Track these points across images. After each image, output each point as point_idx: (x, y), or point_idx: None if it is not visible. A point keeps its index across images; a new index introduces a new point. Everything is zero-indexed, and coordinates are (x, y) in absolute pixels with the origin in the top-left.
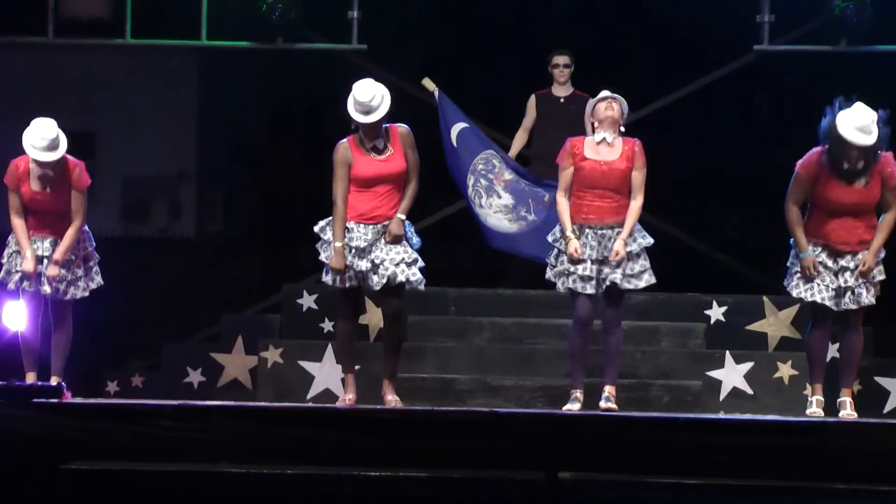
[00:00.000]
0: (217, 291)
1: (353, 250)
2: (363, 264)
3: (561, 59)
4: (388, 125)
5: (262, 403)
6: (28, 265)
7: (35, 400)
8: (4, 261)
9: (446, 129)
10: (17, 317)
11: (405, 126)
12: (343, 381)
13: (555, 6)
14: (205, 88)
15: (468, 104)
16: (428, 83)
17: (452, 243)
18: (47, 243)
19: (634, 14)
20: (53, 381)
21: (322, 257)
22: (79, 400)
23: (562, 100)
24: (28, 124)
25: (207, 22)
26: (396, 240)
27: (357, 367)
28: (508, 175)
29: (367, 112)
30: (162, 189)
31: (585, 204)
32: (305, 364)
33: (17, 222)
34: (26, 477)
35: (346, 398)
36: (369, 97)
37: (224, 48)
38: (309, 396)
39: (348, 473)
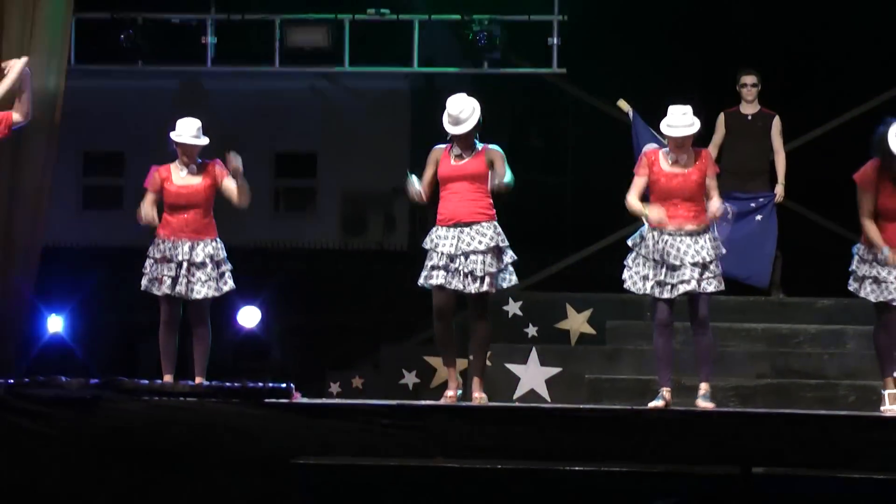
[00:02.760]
0: (429, 299)
1: (443, 256)
2: (453, 266)
3: (749, 79)
4: (482, 145)
5: (472, 403)
6: (148, 218)
7: (267, 400)
8: (147, 269)
9: (638, 150)
10: (251, 317)
11: (497, 147)
12: (548, 381)
13: (741, 24)
14: (416, 110)
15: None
16: (623, 104)
17: None
18: (186, 247)
19: (818, 34)
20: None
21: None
22: (306, 400)
23: (749, 117)
24: (254, 149)
25: (419, 49)
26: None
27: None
28: None
29: (457, 123)
30: (377, 204)
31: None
32: (511, 366)
33: (147, 203)
34: (260, 470)
35: (447, 394)
36: (459, 110)
37: (434, 73)
38: (515, 396)
39: (554, 468)
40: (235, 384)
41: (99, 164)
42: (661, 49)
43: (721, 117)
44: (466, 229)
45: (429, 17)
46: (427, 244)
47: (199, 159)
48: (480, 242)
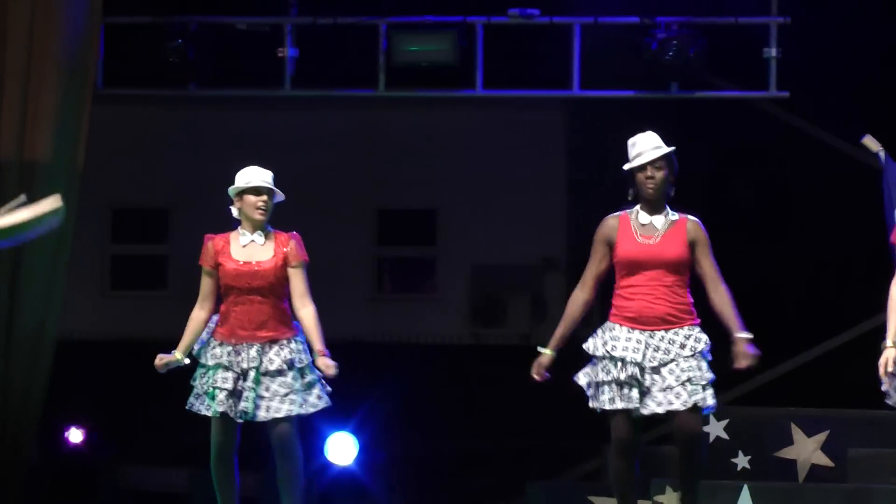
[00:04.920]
0: (595, 415)
1: (619, 363)
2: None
3: None
4: (678, 214)
5: None
6: (168, 357)
7: None
8: (197, 382)
9: (890, 204)
10: (345, 450)
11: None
12: None
13: None
14: (574, 150)
15: None
16: (871, 142)
17: None
18: (253, 351)
19: None
20: None
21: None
22: None
23: None
24: (348, 205)
25: (581, 65)
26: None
27: None
28: None
29: (638, 156)
30: (520, 282)
31: None
32: None
33: (196, 314)
34: None
35: None
36: (651, 142)
37: (601, 98)
38: None
39: None
40: None
41: (134, 226)
42: None
43: None
44: (661, 333)
45: (594, 19)
46: (593, 347)
47: (268, 226)
48: (683, 347)
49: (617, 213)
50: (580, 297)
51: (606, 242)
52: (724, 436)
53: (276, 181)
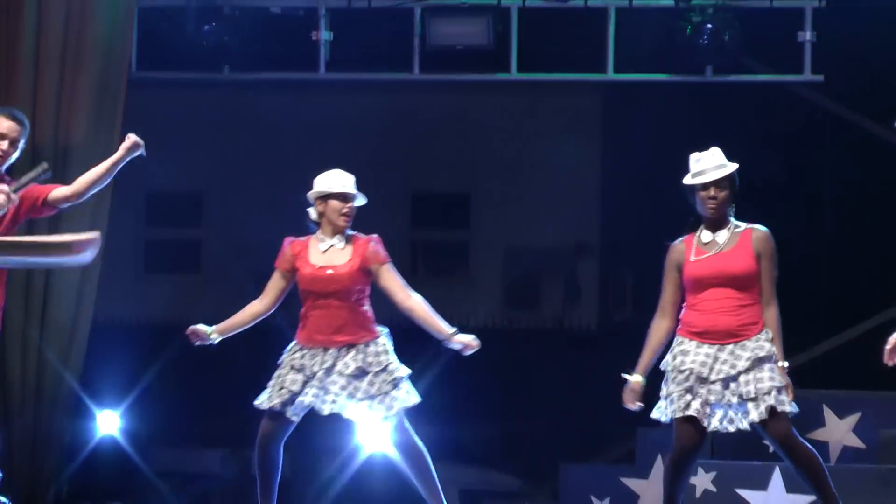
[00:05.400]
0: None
1: (691, 375)
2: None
3: None
4: (743, 224)
5: None
6: (201, 329)
7: None
8: (273, 381)
9: None
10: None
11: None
12: None
13: None
14: (610, 133)
15: None
16: None
17: None
18: (328, 356)
19: None
20: None
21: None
22: None
23: None
24: (383, 189)
25: (616, 49)
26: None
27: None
28: None
29: (700, 173)
30: (555, 266)
31: None
32: (746, 493)
33: (251, 305)
34: None
35: None
36: (714, 160)
37: (636, 83)
38: None
39: None
40: None
41: (168, 210)
42: None
43: None
44: (730, 347)
45: (629, 3)
46: (668, 364)
47: (349, 230)
48: (749, 360)
49: (683, 238)
50: (661, 325)
51: (676, 268)
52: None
53: (312, 165)
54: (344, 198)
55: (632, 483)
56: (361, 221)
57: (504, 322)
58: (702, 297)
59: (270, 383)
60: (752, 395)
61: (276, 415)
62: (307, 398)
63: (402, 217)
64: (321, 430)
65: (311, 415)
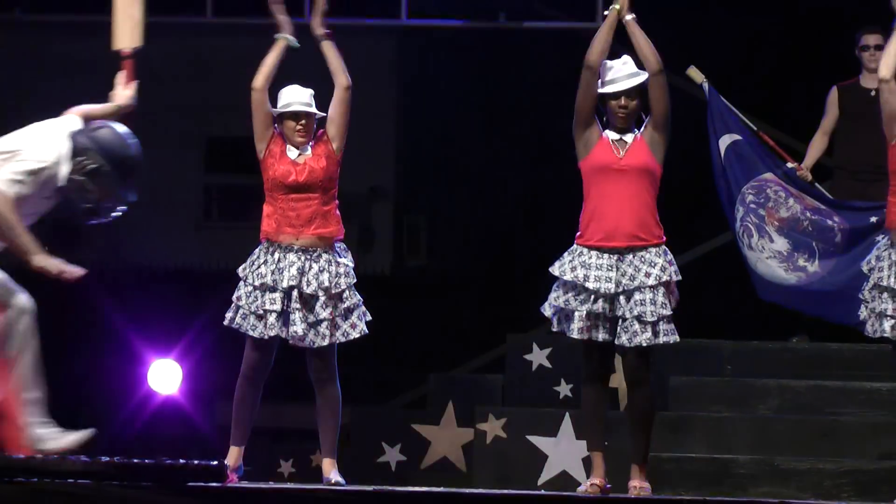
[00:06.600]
0: (420, 344)
1: (592, 296)
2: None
3: (872, 39)
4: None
5: (480, 490)
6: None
7: (190, 483)
8: (243, 302)
9: (714, 140)
10: (168, 379)
11: None
12: (586, 461)
13: None
14: (403, 81)
15: (745, 99)
16: (695, 73)
17: (728, 282)
18: (294, 270)
19: None
20: (227, 461)
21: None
22: (245, 484)
23: (872, 92)
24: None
25: None
26: None
27: (605, 444)
28: (785, 212)
29: (612, 82)
30: (350, 211)
31: None
32: (536, 439)
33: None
34: None
35: (592, 483)
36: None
37: (429, 28)
38: (540, 481)
39: None
40: (147, 461)
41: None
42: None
43: (833, 93)
44: (629, 257)
45: None
46: (559, 270)
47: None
48: (648, 275)
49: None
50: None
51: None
52: (547, 364)
53: None
54: (296, 116)
55: (423, 429)
56: (156, 167)
57: None
58: (603, 191)
59: (246, 306)
60: (648, 319)
61: (267, 341)
62: (294, 326)
63: (196, 161)
64: None
65: None
